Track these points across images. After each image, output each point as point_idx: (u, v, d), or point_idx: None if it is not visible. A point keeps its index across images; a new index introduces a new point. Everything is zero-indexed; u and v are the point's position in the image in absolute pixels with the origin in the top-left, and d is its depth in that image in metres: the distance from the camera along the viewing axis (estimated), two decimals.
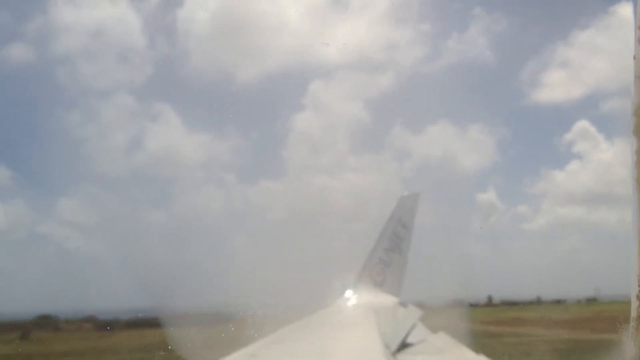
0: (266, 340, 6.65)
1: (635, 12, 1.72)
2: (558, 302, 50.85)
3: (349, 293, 11.32)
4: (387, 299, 11.60)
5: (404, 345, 7.47)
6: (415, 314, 10.50)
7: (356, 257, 12.60)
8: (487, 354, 7.03)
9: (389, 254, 12.83)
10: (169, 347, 8.58)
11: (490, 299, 52.21)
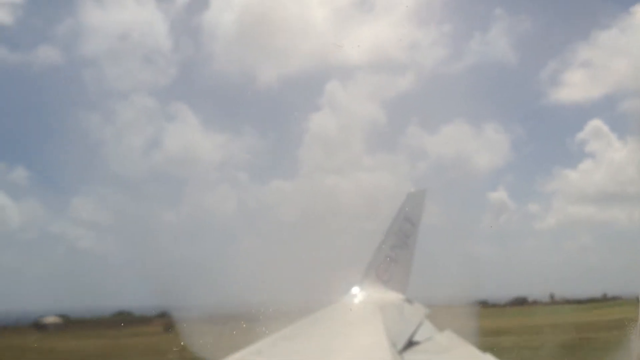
0: (273, 338, 6.64)
1: None
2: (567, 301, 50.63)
3: (355, 290, 11.30)
4: (393, 296, 11.57)
5: (410, 343, 7.44)
6: (421, 311, 10.47)
7: (365, 255, 12.60)
8: None
9: (396, 250, 12.78)
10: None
11: (552, 296, 51.79)
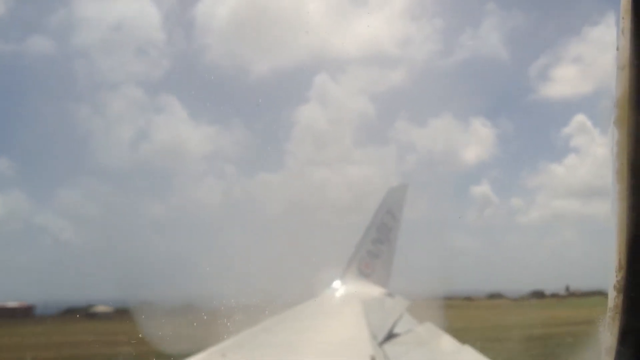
0: (253, 330, 6.66)
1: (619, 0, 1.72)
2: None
3: (337, 284, 11.37)
4: (375, 290, 11.66)
5: (391, 336, 7.52)
6: (402, 304, 10.58)
7: (350, 249, 12.66)
8: None
9: (377, 245, 12.88)
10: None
11: (567, 288, 52.10)
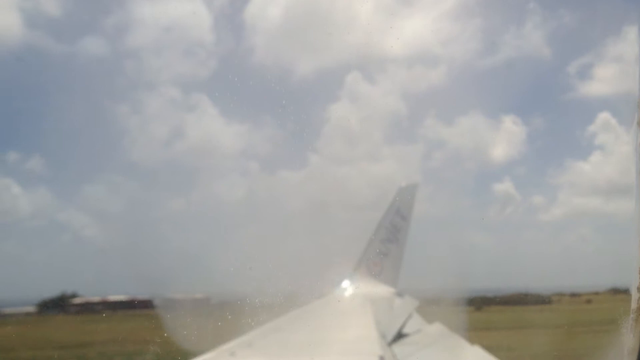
0: (262, 329, 6.66)
1: None
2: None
3: (346, 283, 11.34)
4: (383, 289, 11.63)
5: (399, 335, 7.48)
6: (411, 304, 10.53)
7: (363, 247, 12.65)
8: None
9: (387, 244, 12.84)
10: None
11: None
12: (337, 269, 11.67)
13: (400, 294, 11.55)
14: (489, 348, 7.11)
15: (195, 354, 5.00)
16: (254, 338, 6.12)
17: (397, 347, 6.84)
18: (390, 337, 7.04)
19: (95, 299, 39.26)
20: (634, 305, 1.63)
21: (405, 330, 7.93)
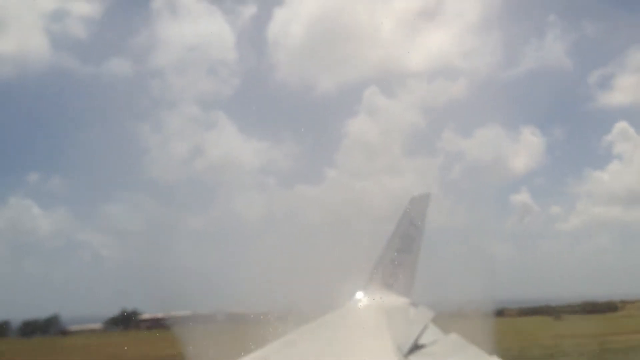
0: (277, 343, 6.63)
1: None
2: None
3: (359, 294, 11.26)
4: (398, 300, 11.53)
5: (415, 347, 7.41)
6: (427, 314, 10.43)
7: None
8: None
9: (401, 254, 12.74)
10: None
11: None
12: (355, 281, 11.61)
13: (415, 304, 11.44)
14: None
15: None
16: (268, 352, 6.10)
17: (414, 358, 6.78)
18: (406, 348, 6.97)
19: (160, 314, 39.93)
20: None
21: (422, 341, 7.85)
